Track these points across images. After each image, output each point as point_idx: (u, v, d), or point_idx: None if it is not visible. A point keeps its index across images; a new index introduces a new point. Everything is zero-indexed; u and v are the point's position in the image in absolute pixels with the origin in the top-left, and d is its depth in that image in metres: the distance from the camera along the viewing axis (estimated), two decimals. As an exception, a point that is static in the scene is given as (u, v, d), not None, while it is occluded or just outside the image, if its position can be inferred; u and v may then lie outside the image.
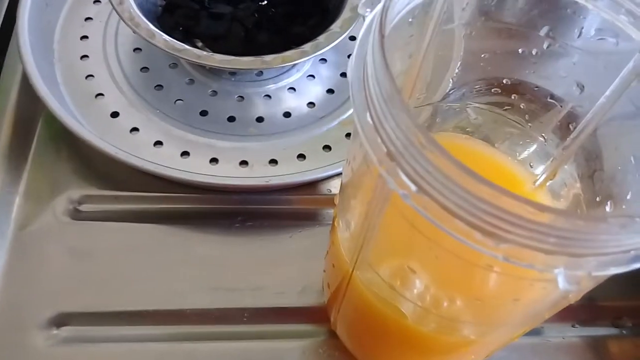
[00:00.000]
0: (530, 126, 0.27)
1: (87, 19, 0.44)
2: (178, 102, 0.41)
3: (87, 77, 0.41)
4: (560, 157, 0.26)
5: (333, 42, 0.38)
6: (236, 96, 0.41)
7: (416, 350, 0.28)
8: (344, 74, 0.44)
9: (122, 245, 0.35)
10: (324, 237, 0.32)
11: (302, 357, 0.33)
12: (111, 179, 0.37)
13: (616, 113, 0.23)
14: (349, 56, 0.44)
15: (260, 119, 0.40)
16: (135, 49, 0.43)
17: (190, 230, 0.36)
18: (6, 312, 0.32)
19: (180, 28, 0.42)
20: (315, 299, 0.34)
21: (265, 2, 0.43)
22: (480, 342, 0.26)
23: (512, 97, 0.27)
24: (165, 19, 0.42)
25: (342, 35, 0.39)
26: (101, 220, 0.36)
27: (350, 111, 0.41)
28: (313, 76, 0.43)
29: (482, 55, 0.26)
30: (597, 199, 0.25)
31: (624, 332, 0.36)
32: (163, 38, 0.37)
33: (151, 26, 0.38)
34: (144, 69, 0.42)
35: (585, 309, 0.36)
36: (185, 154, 0.38)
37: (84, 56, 0.42)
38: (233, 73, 0.42)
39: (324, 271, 0.33)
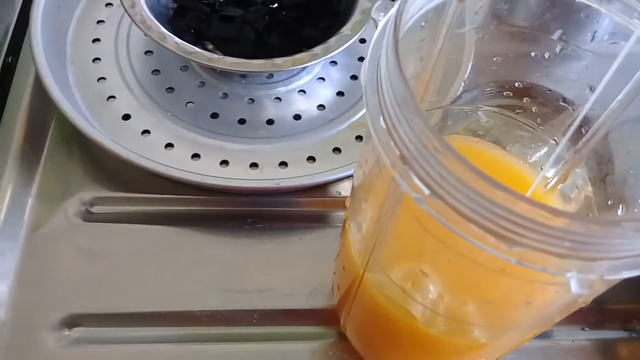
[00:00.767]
0: (541, 129, 0.27)
1: (99, 21, 0.44)
2: (189, 104, 0.41)
3: (99, 79, 0.41)
4: (571, 161, 0.26)
5: (344, 44, 0.38)
6: (246, 99, 0.42)
7: (426, 353, 0.28)
8: (354, 77, 0.44)
9: (133, 247, 0.35)
10: (334, 239, 0.32)
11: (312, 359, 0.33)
12: (122, 181, 0.37)
13: (628, 117, 0.23)
14: (359, 59, 0.45)
15: (270, 122, 0.41)
16: (147, 52, 0.43)
17: (200, 232, 0.36)
18: (18, 313, 0.33)
19: (192, 31, 0.42)
20: (325, 301, 0.34)
21: (276, 4, 0.43)
22: (491, 345, 0.26)
23: (524, 101, 0.27)
24: (176, 22, 0.42)
25: (352, 37, 0.39)
26: (112, 222, 0.36)
27: (361, 114, 0.41)
28: (323, 79, 0.43)
29: (494, 59, 0.26)
30: (609, 202, 0.25)
31: (634, 335, 0.36)
32: (174, 41, 0.37)
33: (162, 29, 0.38)
34: (155, 71, 0.42)
35: (595, 312, 0.36)
36: (195, 156, 0.38)
37: (96, 59, 0.42)
38: (244, 75, 0.42)
39: (334, 273, 0.33)
